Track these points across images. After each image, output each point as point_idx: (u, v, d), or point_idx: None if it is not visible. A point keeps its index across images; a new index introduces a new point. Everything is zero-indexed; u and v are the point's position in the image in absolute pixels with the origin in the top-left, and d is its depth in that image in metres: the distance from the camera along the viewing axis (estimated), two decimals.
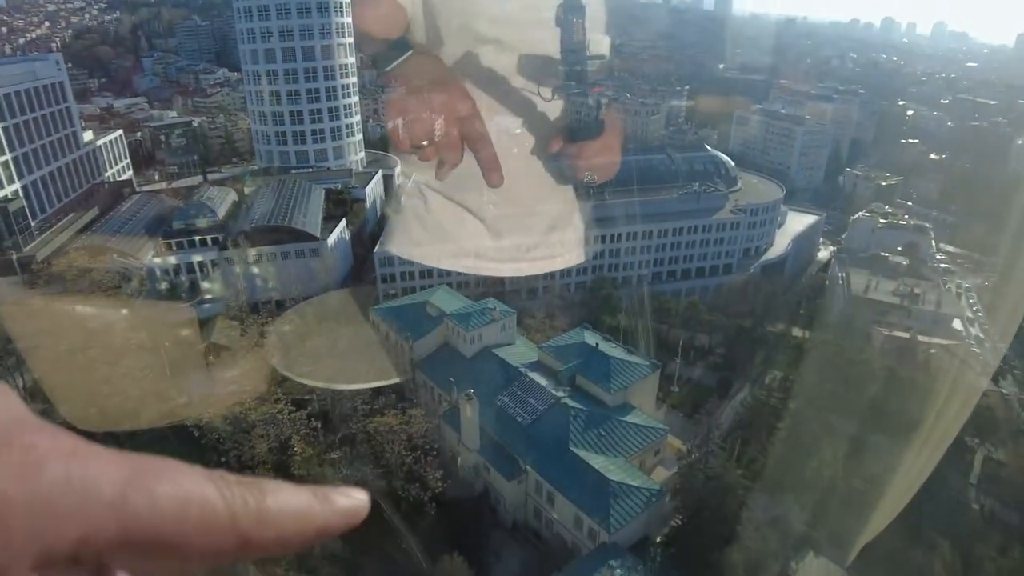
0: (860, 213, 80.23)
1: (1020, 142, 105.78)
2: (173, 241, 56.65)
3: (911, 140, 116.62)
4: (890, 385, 44.53)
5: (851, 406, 42.61)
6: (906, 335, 54.32)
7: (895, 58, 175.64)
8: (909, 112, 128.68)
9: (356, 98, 79.37)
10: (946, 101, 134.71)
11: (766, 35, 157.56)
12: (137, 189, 75.40)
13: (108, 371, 38.36)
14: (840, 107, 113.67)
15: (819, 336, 55.56)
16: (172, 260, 55.71)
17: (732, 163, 77.35)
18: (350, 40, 77.77)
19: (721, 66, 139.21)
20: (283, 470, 34.16)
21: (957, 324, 61.11)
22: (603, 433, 35.68)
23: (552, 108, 2.81)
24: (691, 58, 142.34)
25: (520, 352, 42.16)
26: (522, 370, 39.44)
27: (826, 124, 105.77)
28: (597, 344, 40.75)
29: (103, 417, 36.41)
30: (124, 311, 48.77)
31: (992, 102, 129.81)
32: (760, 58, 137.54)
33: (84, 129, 75.80)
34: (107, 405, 37.26)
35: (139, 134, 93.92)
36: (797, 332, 56.71)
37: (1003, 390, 51.88)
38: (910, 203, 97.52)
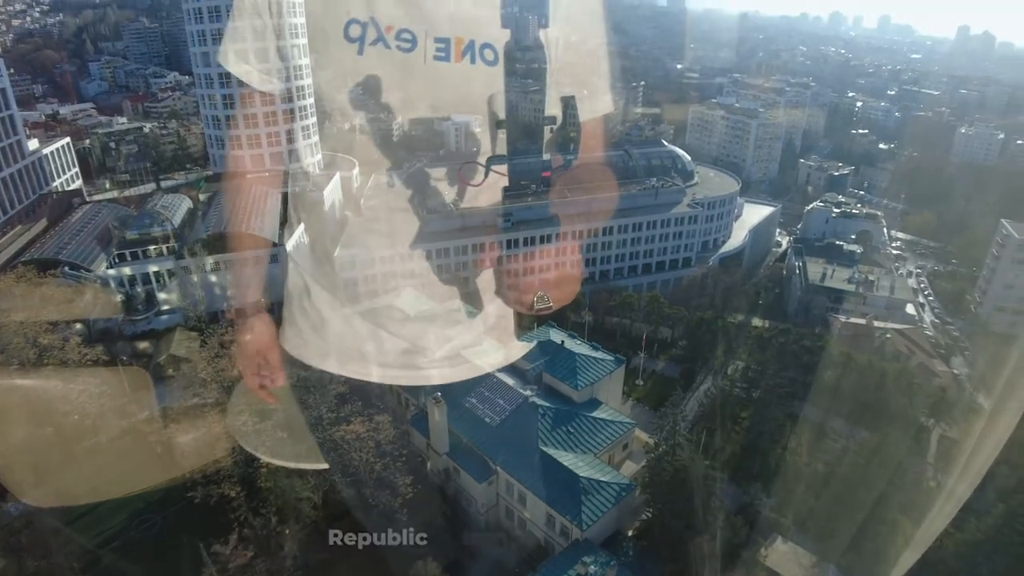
0: (814, 203, 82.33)
1: (963, 131, 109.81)
2: (127, 251, 55.00)
3: (861, 130, 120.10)
4: (848, 370, 45.86)
5: (811, 392, 43.74)
6: (862, 321, 55.98)
7: (843, 51, 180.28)
8: (858, 103, 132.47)
9: (312, 99, 77.81)
10: (892, 92, 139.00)
11: (719, 30, 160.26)
12: (87, 198, 73.02)
13: (63, 389, 37.13)
14: (792, 100, 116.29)
15: (778, 325, 56.83)
16: (127, 271, 54.10)
17: (688, 157, 78.56)
18: (304, 41, 76.04)
19: (675, 62, 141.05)
20: (249, 483, 33.49)
21: (910, 308, 63.22)
22: (572, 430, 35.92)
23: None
24: (645, 53, 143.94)
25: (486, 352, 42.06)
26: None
27: (779, 117, 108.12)
28: (563, 341, 40.96)
29: (59, 439, 35.27)
30: (79, 327, 47.31)
31: (936, 92, 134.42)
32: (714, 52, 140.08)
33: (29, 137, 72.89)
34: (64, 424, 36.13)
35: (88, 141, 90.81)
36: (757, 322, 57.96)
37: (954, 370, 53.84)
38: (862, 192, 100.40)
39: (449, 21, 2.71)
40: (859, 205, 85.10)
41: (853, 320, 56.46)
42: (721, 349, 50.40)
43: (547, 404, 36.79)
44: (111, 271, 53.89)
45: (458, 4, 2.72)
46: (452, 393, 36.67)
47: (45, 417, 35.54)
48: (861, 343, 52.49)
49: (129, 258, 54.78)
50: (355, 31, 2.83)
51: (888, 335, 53.89)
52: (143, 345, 49.42)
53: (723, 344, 50.76)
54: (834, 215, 77.76)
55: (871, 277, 63.83)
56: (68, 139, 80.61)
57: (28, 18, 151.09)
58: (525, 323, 48.49)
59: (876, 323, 55.65)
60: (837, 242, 70.62)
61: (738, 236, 74.97)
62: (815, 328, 55.78)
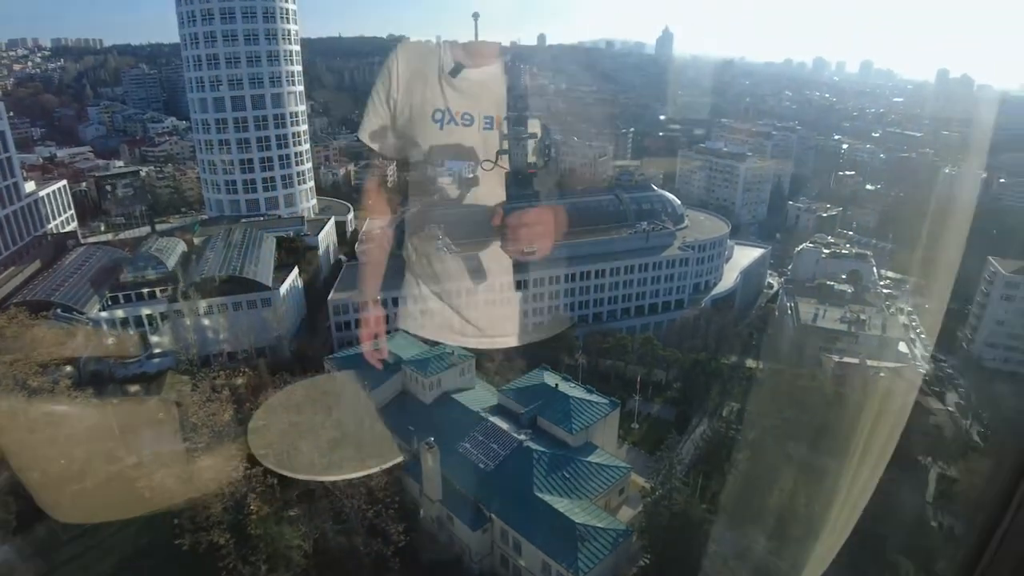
0: (804, 244, 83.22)
1: (947, 170, 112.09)
2: (120, 294, 54.98)
3: (848, 172, 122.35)
4: (843, 410, 45.73)
5: (807, 433, 43.55)
6: (855, 360, 56.09)
7: (827, 95, 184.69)
8: (844, 146, 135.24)
9: (307, 145, 79.37)
10: (877, 134, 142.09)
11: (706, 76, 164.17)
12: (82, 241, 73.32)
13: (52, 432, 36.68)
14: (779, 143, 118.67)
15: (772, 366, 56.88)
16: (119, 314, 53.96)
17: (678, 201, 79.82)
18: (300, 88, 78.26)
19: (664, 107, 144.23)
20: (239, 530, 32.84)
21: (903, 347, 63.41)
22: (567, 475, 35.52)
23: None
24: (635, 100, 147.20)
25: (480, 396, 41.90)
26: (483, 415, 39.16)
27: (767, 160, 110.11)
28: (557, 384, 40.81)
29: (46, 479, 34.67)
30: (69, 369, 46.94)
31: (919, 134, 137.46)
32: (701, 98, 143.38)
33: (26, 179, 73.60)
34: (51, 468, 35.57)
35: (84, 184, 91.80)
36: (751, 363, 57.97)
37: (949, 407, 53.82)
38: (850, 232, 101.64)
39: (494, 104, 3.92)
40: (848, 245, 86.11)
41: (846, 359, 56.58)
42: (716, 391, 50.35)
43: (542, 449, 36.44)
44: (103, 313, 53.73)
45: (499, 92, 3.88)
46: (446, 438, 36.35)
47: (31, 460, 35.00)
48: (855, 382, 52.49)
49: (122, 300, 54.70)
50: (438, 116, 4.06)
51: (882, 373, 53.97)
52: (134, 388, 48.96)
53: (718, 386, 50.75)
54: (824, 256, 78.61)
55: (863, 316, 64.20)
56: (65, 182, 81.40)
57: (29, 63, 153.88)
58: (519, 366, 48.43)
59: (869, 362, 55.79)
60: (828, 282, 71.22)
61: (729, 278, 75.66)
62: (808, 368, 55.82)
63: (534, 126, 3.43)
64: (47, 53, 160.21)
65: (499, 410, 40.04)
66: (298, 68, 77.83)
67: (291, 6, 75.69)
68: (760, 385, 51.85)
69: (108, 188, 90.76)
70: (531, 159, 3.42)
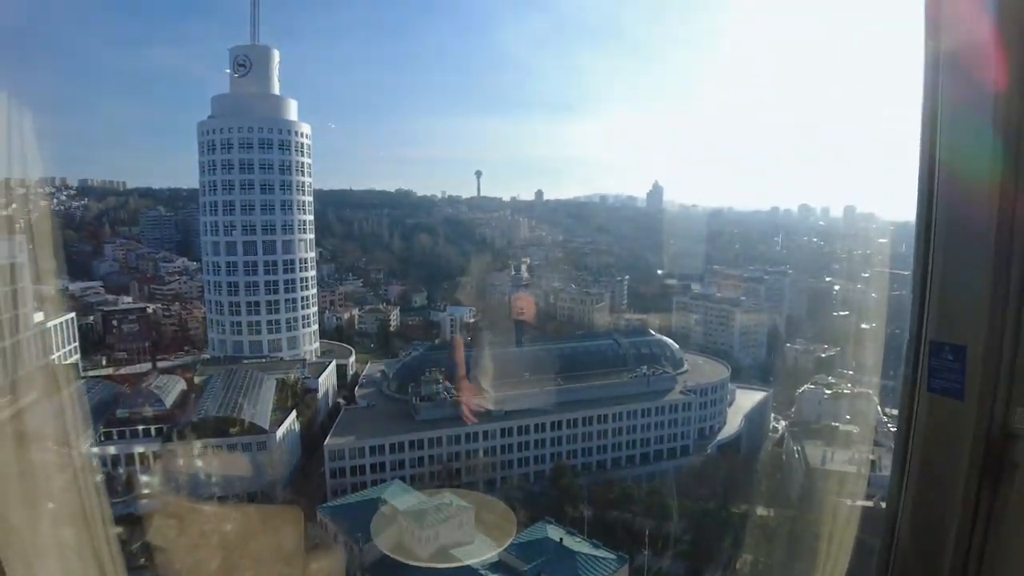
0: (806, 385, 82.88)
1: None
2: (115, 430, 54.30)
3: (842, 312, 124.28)
4: (863, 556, 43.38)
5: None
6: (870, 503, 53.98)
7: (815, 239, 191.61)
8: (836, 287, 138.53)
9: (314, 290, 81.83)
10: (867, 274, 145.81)
11: (696, 225, 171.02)
12: (82, 374, 73.22)
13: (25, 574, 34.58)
14: (772, 286, 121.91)
15: (784, 513, 54.78)
16: (111, 450, 52.92)
17: (676, 345, 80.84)
18: (311, 236, 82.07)
19: (656, 256, 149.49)
20: None
21: None
22: None
23: None
24: (629, 250, 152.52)
25: (479, 551, 39.92)
26: (482, 572, 37.10)
27: (761, 303, 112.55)
28: (561, 539, 39.12)
29: None
30: (52, 506, 45.11)
31: (906, 272, 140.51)
32: (693, 246, 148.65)
33: (35, 310, 74.93)
34: None
35: (91, 318, 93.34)
36: (761, 511, 55.86)
37: None
38: (851, 371, 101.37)
39: None
40: (849, 385, 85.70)
41: (860, 503, 54.53)
42: (727, 542, 48.16)
43: None
44: (94, 449, 52.62)
45: None
46: None
47: None
48: (871, 526, 50.34)
49: (116, 437, 53.92)
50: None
51: None
52: (119, 530, 46.79)
53: (729, 537, 48.61)
54: (826, 396, 78.12)
55: (872, 457, 62.79)
56: (72, 314, 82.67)
57: (55, 200, 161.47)
58: (521, 517, 46.59)
59: (884, 504, 53.77)
60: (833, 423, 70.35)
61: (734, 422, 74.93)
62: (822, 514, 53.69)
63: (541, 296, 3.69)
64: (72, 192, 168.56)
65: (500, 567, 37.94)
66: (310, 217, 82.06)
67: (306, 160, 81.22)
68: (773, 534, 49.69)
69: (114, 323, 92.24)
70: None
